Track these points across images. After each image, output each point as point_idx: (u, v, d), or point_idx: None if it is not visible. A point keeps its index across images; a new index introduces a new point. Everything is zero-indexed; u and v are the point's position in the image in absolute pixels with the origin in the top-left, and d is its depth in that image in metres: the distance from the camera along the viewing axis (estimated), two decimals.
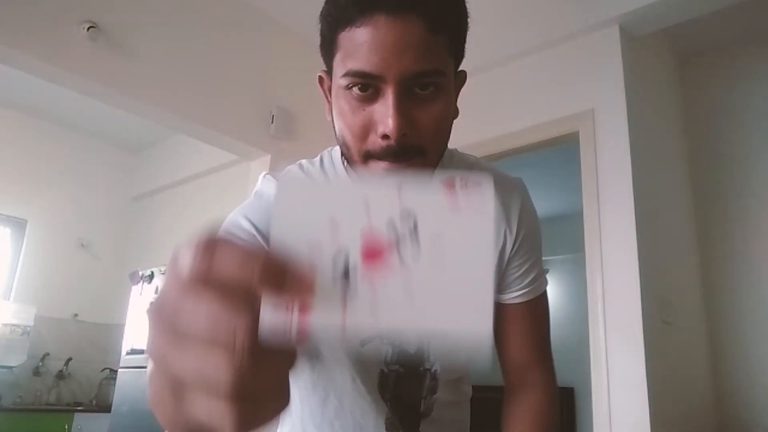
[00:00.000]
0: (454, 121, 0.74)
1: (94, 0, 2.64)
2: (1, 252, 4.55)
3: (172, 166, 4.96)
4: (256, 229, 0.74)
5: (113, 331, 4.72)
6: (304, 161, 0.86)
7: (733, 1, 2.46)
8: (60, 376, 4.57)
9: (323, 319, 0.30)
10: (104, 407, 4.10)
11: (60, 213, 4.86)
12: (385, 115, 0.64)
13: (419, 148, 0.66)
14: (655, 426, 2.09)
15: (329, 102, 0.73)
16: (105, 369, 4.66)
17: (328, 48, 0.69)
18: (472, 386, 0.94)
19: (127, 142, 5.30)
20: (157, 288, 3.52)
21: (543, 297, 0.88)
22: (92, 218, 5.07)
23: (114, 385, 3.89)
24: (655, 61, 3.05)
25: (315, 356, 0.81)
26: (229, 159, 3.99)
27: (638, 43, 2.67)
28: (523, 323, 0.86)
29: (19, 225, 4.65)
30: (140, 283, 3.70)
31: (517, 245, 0.83)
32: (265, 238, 0.72)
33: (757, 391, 2.76)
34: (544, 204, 5.62)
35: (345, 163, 0.79)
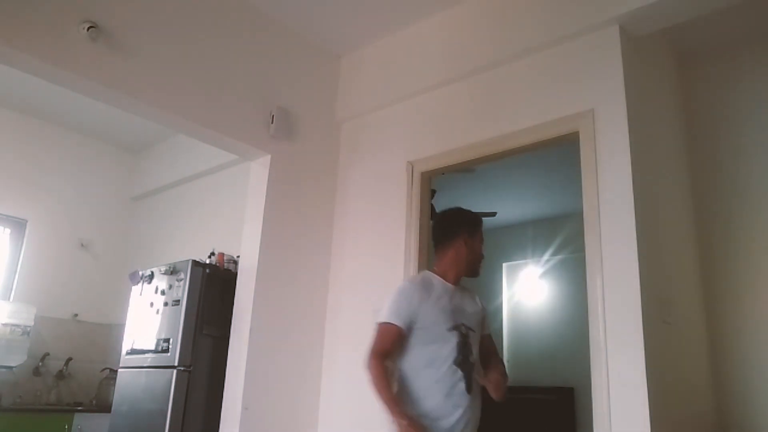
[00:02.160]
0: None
1: (94, 0, 2.65)
2: (1, 252, 4.55)
3: (172, 166, 4.96)
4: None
5: (113, 331, 4.73)
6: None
7: (733, 1, 2.46)
8: (60, 376, 4.57)
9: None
10: (104, 407, 4.10)
11: (60, 213, 4.86)
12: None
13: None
14: (655, 426, 2.09)
15: (466, 246, 2.17)
16: (105, 369, 4.66)
17: (474, 233, 2.21)
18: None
19: (127, 142, 5.30)
20: (156, 288, 3.51)
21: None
22: (92, 218, 5.07)
23: (114, 385, 3.89)
24: (655, 61, 3.05)
25: (432, 341, 2.00)
26: (229, 159, 3.99)
27: (638, 43, 2.67)
28: (489, 342, 2.22)
29: (19, 225, 4.65)
30: (140, 283, 3.69)
31: (486, 312, 2.24)
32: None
33: (757, 391, 2.76)
34: (544, 204, 5.63)
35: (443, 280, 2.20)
